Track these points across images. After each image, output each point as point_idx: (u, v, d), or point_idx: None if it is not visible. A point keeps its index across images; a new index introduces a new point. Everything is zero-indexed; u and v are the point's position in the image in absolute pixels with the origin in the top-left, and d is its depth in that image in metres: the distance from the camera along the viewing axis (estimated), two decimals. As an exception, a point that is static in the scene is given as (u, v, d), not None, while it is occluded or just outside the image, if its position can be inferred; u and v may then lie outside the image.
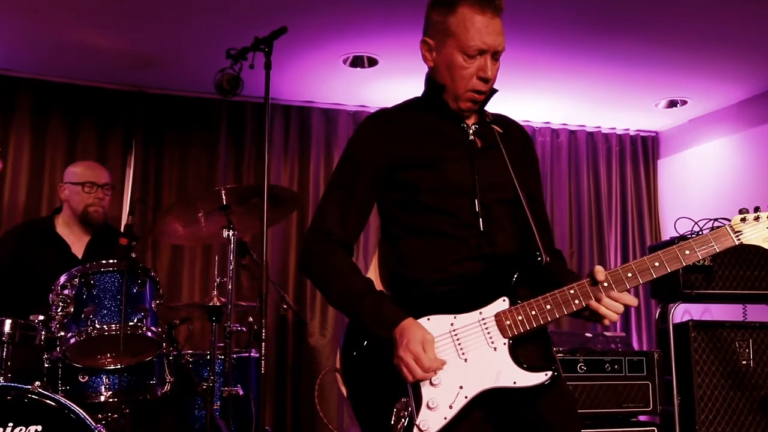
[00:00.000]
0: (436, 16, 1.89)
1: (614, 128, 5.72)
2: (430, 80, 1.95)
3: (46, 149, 4.70)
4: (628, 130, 5.76)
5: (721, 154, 5.30)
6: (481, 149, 1.92)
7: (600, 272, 1.73)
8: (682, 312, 5.01)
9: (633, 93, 5.01)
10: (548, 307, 1.74)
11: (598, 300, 1.73)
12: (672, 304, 3.83)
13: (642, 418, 3.78)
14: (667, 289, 3.84)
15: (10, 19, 3.97)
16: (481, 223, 1.84)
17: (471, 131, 1.93)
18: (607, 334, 4.67)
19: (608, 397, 3.60)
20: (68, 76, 4.72)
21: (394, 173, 1.89)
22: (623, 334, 4.91)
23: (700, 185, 5.42)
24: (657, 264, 1.73)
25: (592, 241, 5.57)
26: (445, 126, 1.93)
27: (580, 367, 3.59)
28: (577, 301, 1.74)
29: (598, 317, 1.74)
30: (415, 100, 2.01)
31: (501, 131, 1.96)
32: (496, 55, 1.87)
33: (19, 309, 2.78)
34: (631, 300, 1.74)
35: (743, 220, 1.75)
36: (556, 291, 1.75)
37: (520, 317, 1.74)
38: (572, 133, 5.67)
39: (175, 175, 4.96)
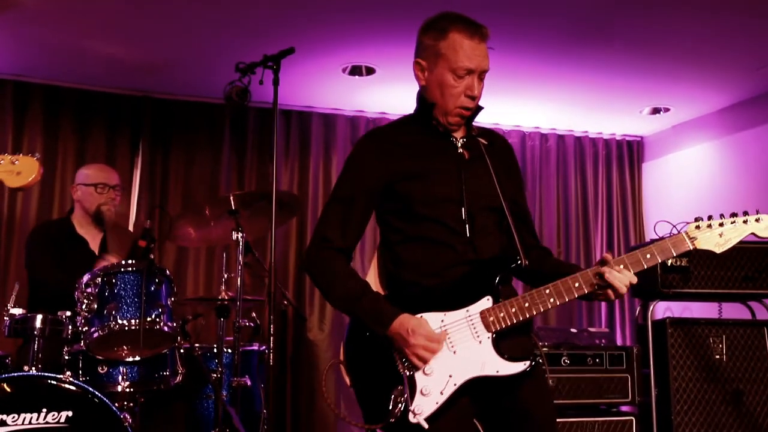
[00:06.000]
0: (427, 41, 2.11)
1: (601, 133, 5.95)
2: (422, 99, 2.16)
3: (58, 152, 4.87)
4: (614, 134, 5.99)
5: (704, 158, 5.51)
6: (468, 161, 2.12)
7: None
8: (663, 310, 5.27)
9: (619, 100, 5.22)
10: (526, 304, 1.97)
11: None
12: (651, 302, 4.08)
13: (623, 408, 4.04)
14: (647, 288, 4.08)
15: (22, 28, 4.15)
16: (467, 230, 2.06)
17: (459, 144, 2.14)
18: (592, 330, 4.91)
19: (590, 389, 3.85)
20: (77, 82, 4.90)
21: (390, 186, 2.09)
22: (607, 330, 5.16)
23: (683, 188, 5.62)
24: (621, 267, 1.98)
25: (579, 241, 5.79)
26: (436, 140, 2.13)
27: (564, 360, 3.84)
28: (552, 300, 1.97)
29: (605, 296, 2.00)
30: (408, 117, 2.22)
31: (486, 143, 2.17)
32: (481, 75, 2.09)
33: (48, 305, 2.99)
34: (632, 277, 1.98)
35: (698, 227, 1.99)
36: (533, 290, 1.99)
37: (501, 314, 1.97)
38: (561, 137, 5.89)
39: (180, 176, 5.15)
